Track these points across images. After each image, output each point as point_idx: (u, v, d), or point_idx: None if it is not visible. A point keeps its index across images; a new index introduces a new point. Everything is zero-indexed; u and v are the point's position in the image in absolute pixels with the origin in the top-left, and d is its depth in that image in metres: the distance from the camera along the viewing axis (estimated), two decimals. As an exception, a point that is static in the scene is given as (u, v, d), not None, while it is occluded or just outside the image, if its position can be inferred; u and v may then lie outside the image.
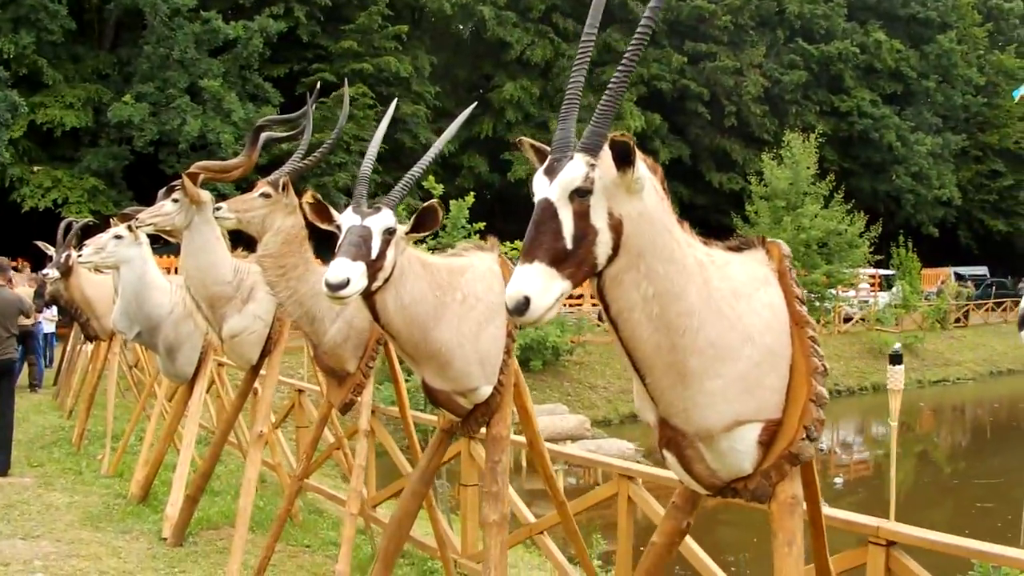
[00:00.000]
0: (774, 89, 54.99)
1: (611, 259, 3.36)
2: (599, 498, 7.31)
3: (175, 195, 7.81)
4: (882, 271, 46.96)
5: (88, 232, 13.63)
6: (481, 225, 24.92)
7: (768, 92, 54.40)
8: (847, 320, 41.50)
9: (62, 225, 14.14)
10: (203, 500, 9.45)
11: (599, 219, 3.30)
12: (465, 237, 23.79)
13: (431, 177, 23.85)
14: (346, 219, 4.61)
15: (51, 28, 33.55)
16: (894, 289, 44.78)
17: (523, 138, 3.74)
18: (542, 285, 3.17)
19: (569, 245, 3.24)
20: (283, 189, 6.62)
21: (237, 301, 7.94)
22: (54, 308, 19.30)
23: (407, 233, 4.71)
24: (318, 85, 9.71)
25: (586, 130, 3.36)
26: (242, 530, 7.82)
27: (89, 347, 15.61)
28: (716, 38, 53.26)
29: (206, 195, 7.77)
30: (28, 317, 13.83)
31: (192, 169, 7.71)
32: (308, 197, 4.88)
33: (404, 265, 4.75)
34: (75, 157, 36.04)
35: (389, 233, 4.60)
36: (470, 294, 5.10)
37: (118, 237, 9.46)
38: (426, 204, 4.65)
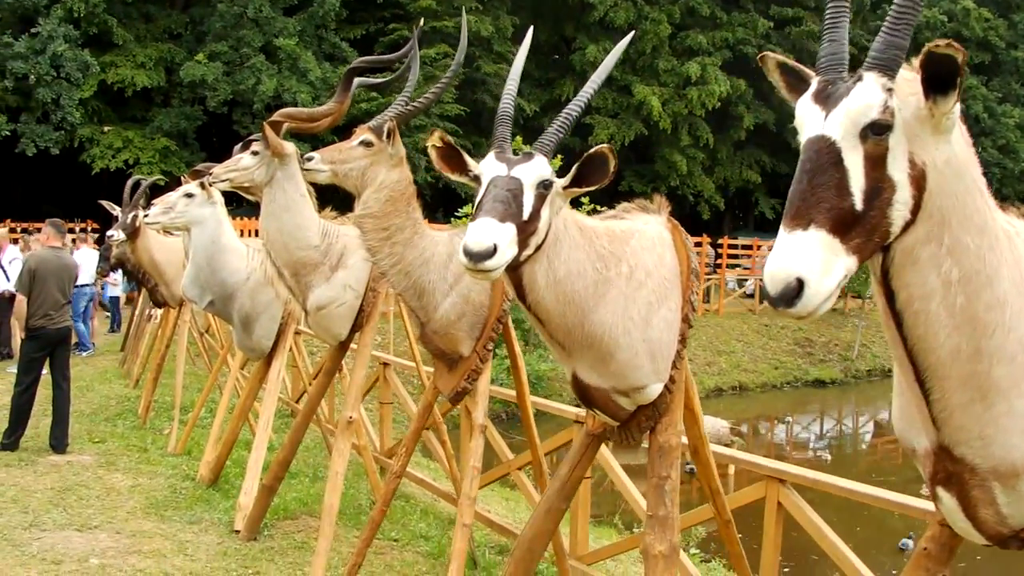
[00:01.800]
0: (860, 56, 52.87)
1: (907, 226, 2.31)
2: (744, 501, 6.35)
3: (255, 147, 6.79)
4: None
5: (157, 192, 12.72)
6: (568, 191, 23.76)
7: (854, 59, 52.18)
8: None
9: (129, 183, 13.17)
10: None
11: (898, 168, 2.29)
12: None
13: (518, 138, 22.71)
14: (489, 168, 3.51)
15: (122, -13, 32.97)
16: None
17: (767, 54, 2.70)
18: (822, 262, 2.14)
19: (859, 205, 2.23)
20: (388, 137, 5.55)
21: (325, 268, 6.89)
22: (119, 272, 18.57)
23: (565, 188, 3.60)
24: (421, 21, 8.60)
25: (878, 40, 2.38)
26: (328, 530, 6.83)
27: (158, 311, 14.78)
28: (802, 3, 51.56)
29: (290, 147, 6.73)
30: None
31: (275, 117, 6.66)
32: (435, 139, 3.77)
33: (559, 229, 3.64)
34: (146, 117, 35.78)
35: (544, 187, 3.48)
36: (638, 267, 3.95)
37: (189, 195, 8.56)
38: (593, 150, 3.54)
